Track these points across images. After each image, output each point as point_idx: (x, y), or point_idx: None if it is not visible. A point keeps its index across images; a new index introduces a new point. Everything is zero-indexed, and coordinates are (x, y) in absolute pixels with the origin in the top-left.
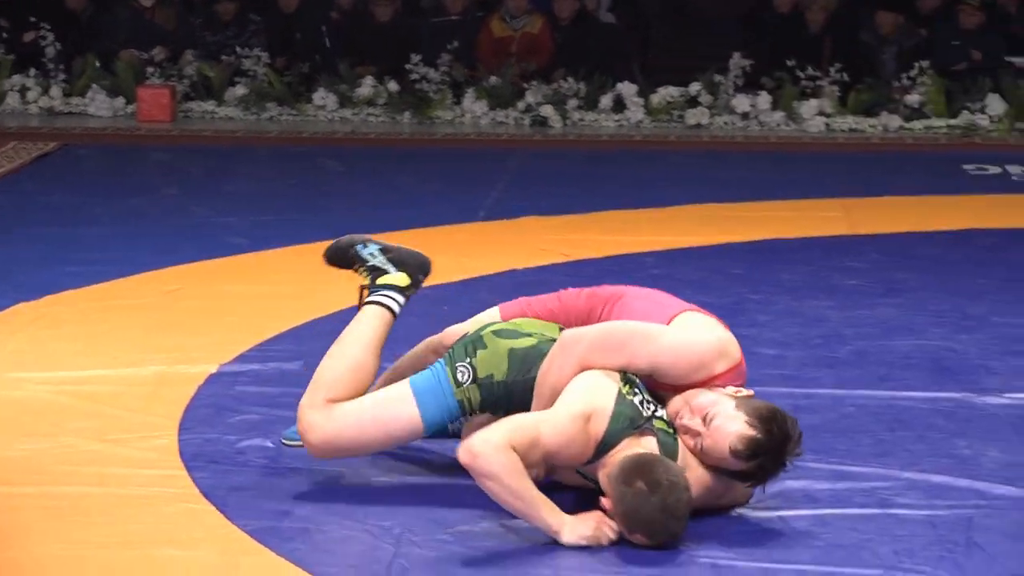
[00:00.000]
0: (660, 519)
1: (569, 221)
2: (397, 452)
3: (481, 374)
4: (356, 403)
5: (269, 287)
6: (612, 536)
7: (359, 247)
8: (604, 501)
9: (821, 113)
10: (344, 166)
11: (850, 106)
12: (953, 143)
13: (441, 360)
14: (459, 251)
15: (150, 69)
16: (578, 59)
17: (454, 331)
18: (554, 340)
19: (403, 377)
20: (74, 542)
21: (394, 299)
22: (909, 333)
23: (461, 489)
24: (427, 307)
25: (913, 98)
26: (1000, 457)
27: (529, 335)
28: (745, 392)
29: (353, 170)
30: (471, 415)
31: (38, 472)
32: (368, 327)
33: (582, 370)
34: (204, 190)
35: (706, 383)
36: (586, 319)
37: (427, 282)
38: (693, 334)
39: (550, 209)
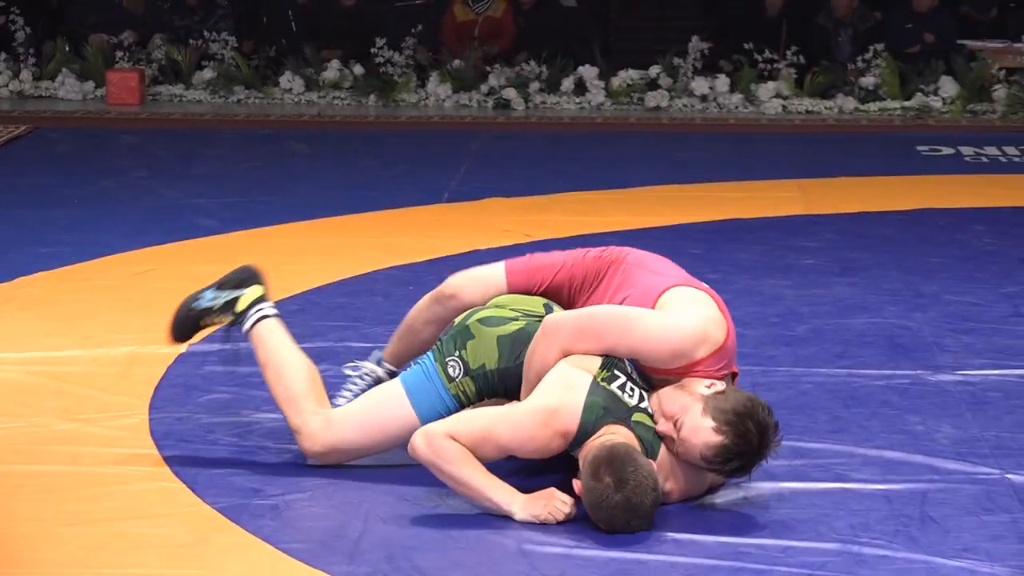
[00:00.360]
0: (621, 517)
1: (532, 202)
2: None
3: (473, 365)
4: (351, 408)
5: None
6: (566, 510)
7: (194, 304)
8: (576, 483)
9: (778, 95)
10: (310, 148)
11: (806, 88)
12: (907, 125)
13: (430, 355)
14: (424, 232)
15: (119, 53)
16: (540, 43)
17: (456, 282)
18: (539, 318)
19: (411, 334)
20: (47, 520)
21: (262, 309)
22: (864, 312)
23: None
24: (391, 287)
25: (868, 80)
26: (953, 433)
27: (515, 318)
28: (718, 387)
29: (319, 152)
30: (470, 406)
31: (10, 451)
32: (271, 345)
33: (564, 356)
34: (173, 172)
35: (688, 369)
36: (593, 280)
37: (394, 262)
38: (675, 320)
39: (513, 190)
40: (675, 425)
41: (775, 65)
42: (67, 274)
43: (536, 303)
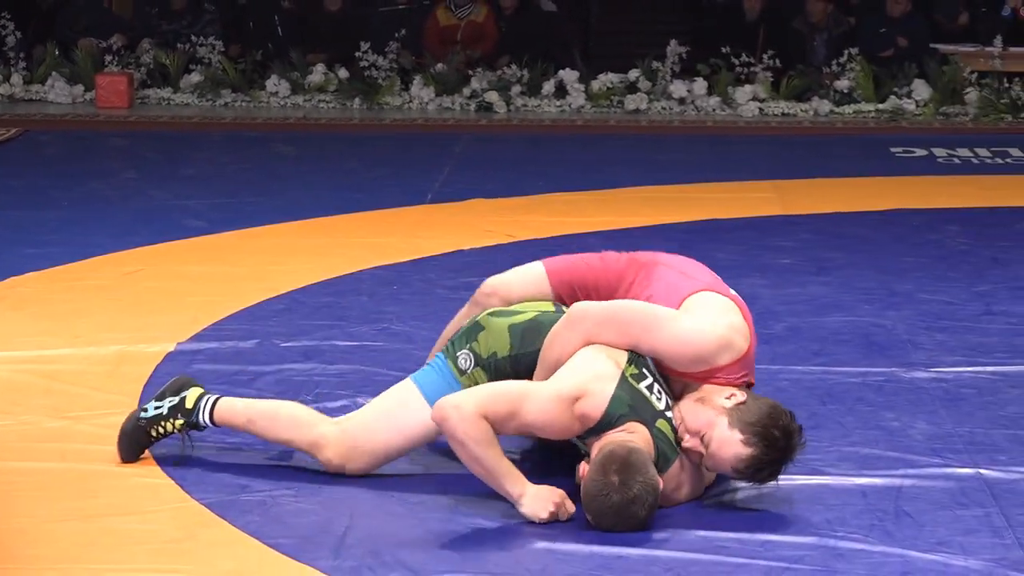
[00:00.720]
0: (611, 518)
1: (514, 203)
2: None
3: (484, 355)
4: (365, 413)
5: (225, 268)
6: (570, 511)
7: (141, 417)
8: (583, 466)
9: (755, 98)
10: (296, 151)
11: (782, 92)
12: (881, 127)
13: (440, 354)
14: (408, 232)
15: (108, 57)
16: (521, 47)
17: (494, 280)
18: (552, 313)
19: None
20: (37, 516)
21: (211, 396)
22: (839, 310)
23: (415, 463)
24: (376, 286)
25: (842, 84)
26: (927, 429)
27: (525, 311)
28: (738, 397)
29: (305, 155)
30: None
31: (1, 449)
32: (243, 407)
33: (586, 344)
34: (161, 174)
35: (707, 375)
36: (624, 280)
37: (378, 261)
38: (699, 324)
39: (495, 192)
40: (702, 440)
41: (752, 69)
42: (57, 274)
43: (548, 306)
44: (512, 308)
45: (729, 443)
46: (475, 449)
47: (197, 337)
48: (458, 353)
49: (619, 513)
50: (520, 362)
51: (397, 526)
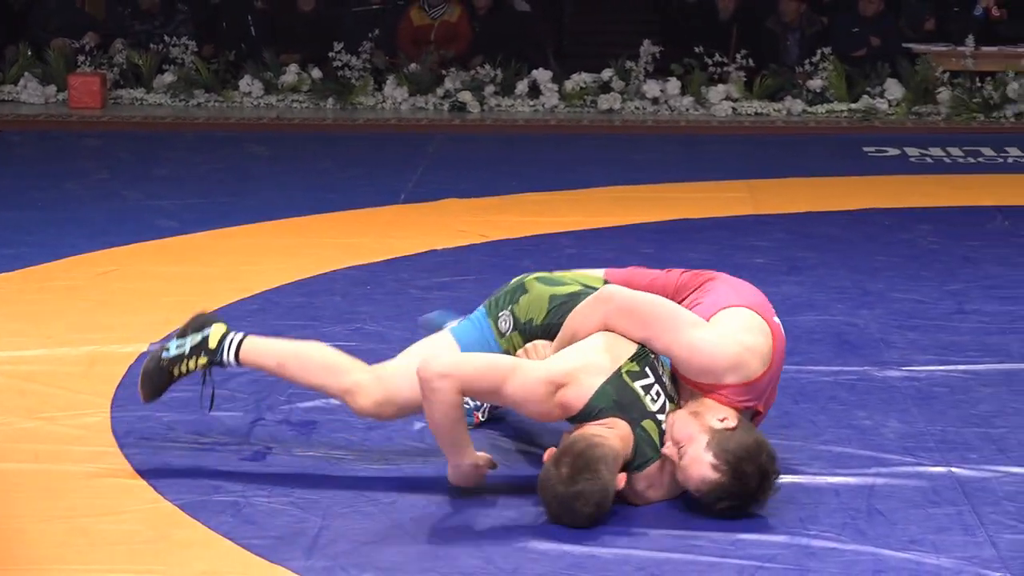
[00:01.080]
0: (555, 508)
1: (487, 203)
2: (322, 429)
3: (522, 319)
4: (401, 362)
5: (199, 268)
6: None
7: (163, 356)
8: (549, 452)
9: (728, 98)
10: (270, 151)
11: (755, 91)
12: (854, 126)
13: (482, 309)
14: (381, 232)
15: (81, 58)
16: (495, 47)
17: None
18: (595, 289)
19: None
20: (10, 517)
21: (236, 336)
22: (812, 309)
23: (386, 463)
24: (349, 286)
25: (815, 83)
26: (899, 428)
27: (571, 284)
28: (729, 422)
29: (278, 155)
30: None
31: None
32: (273, 348)
33: (604, 326)
34: (135, 174)
35: (711, 388)
36: (680, 294)
37: (352, 261)
38: (717, 338)
39: (468, 191)
40: (679, 451)
41: (725, 68)
42: (30, 275)
43: (597, 280)
44: (559, 277)
45: (700, 463)
46: (441, 419)
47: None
48: (500, 313)
49: (561, 505)
50: (551, 332)
51: (370, 526)
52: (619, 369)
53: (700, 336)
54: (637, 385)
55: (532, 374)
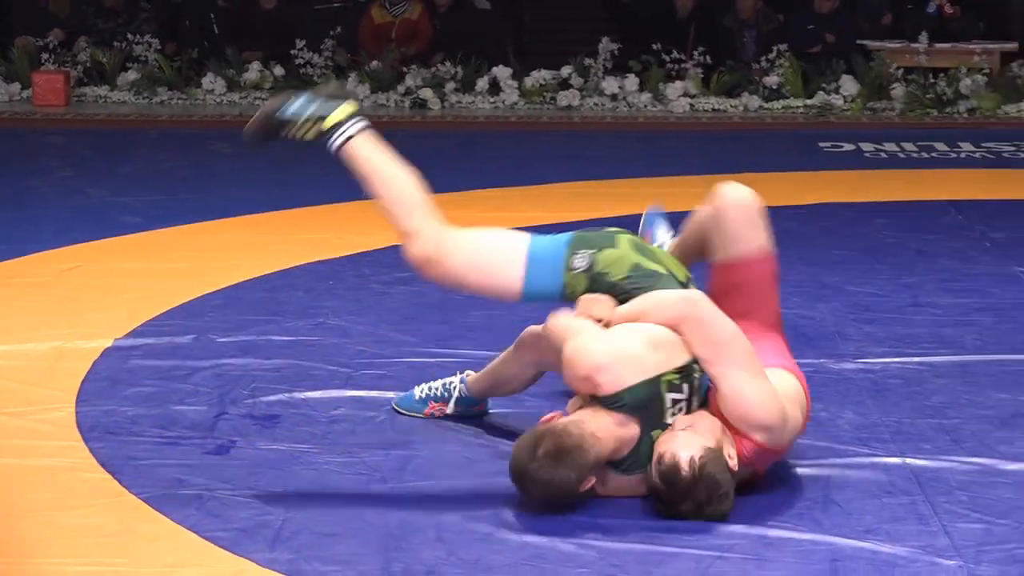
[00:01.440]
0: (512, 473)
1: (448, 199)
2: (285, 423)
3: (597, 269)
4: (470, 238)
5: (163, 264)
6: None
7: (280, 111)
8: (554, 415)
9: (686, 94)
10: (233, 148)
11: (713, 88)
12: (809, 122)
13: (567, 237)
14: (343, 228)
15: (45, 55)
16: (455, 44)
17: None
18: (678, 281)
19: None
20: None
21: (352, 126)
22: None
23: (349, 455)
24: (312, 282)
25: (772, 80)
26: (854, 419)
27: (660, 263)
28: (733, 463)
29: (241, 152)
30: (567, 300)
31: None
32: (372, 158)
33: (672, 326)
34: (99, 172)
35: (738, 437)
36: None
37: (314, 257)
38: (770, 399)
39: (429, 187)
40: (687, 425)
41: (683, 65)
42: None
43: (682, 272)
44: (652, 250)
45: (689, 448)
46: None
47: (134, 333)
48: (579, 250)
49: (514, 474)
50: (617, 293)
51: (333, 518)
52: (661, 375)
53: (756, 387)
54: (668, 397)
55: (591, 341)
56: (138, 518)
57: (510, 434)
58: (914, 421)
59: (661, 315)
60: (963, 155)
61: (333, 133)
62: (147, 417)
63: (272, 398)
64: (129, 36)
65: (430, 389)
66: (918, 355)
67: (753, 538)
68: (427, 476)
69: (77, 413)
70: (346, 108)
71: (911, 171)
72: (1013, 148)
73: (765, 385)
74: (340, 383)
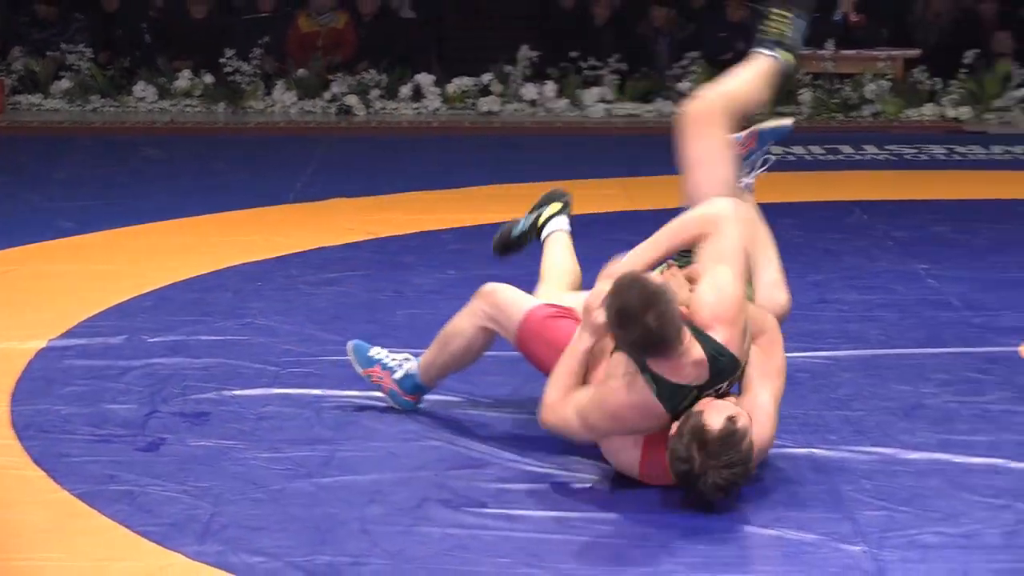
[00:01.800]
0: (612, 315)
1: (373, 202)
2: (214, 420)
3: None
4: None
5: (96, 266)
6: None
7: (514, 231)
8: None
9: (602, 100)
10: (164, 154)
11: (628, 93)
12: None
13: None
14: (271, 231)
15: None
16: (380, 52)
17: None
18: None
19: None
20: None
21: (552, 224)
22: None
23: (275, 451)
24: (241, 283)
25: (685, 86)
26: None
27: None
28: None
29: (172, 157)
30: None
31: None
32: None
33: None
34: (34, 178)
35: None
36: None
37: (243, 259)
38: (733, 287)
39: (356, 191)
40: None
41: (599, 72)
42: None
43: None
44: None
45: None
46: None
47: (68, 334)
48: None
49: (618, 315)
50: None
51: (259, 512)
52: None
53: (729, 275)
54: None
55: (725, 282)
56: (72, 514)
57: (434, 430)
58: (821, 413)
59: (680, 236)
60: (868, 157)
61: (542, 230)
62: (80, 415)
63: (201, 396)
64: (63, 45)
65: (386, 356)
66: (825, 349)
67: (668, 527)
68: (351, 471)
69: (12, 412)
70: (553, 207)
71: (818, 173)
72: (915, 150)
73: (735, 277)
74: (268, 381)
